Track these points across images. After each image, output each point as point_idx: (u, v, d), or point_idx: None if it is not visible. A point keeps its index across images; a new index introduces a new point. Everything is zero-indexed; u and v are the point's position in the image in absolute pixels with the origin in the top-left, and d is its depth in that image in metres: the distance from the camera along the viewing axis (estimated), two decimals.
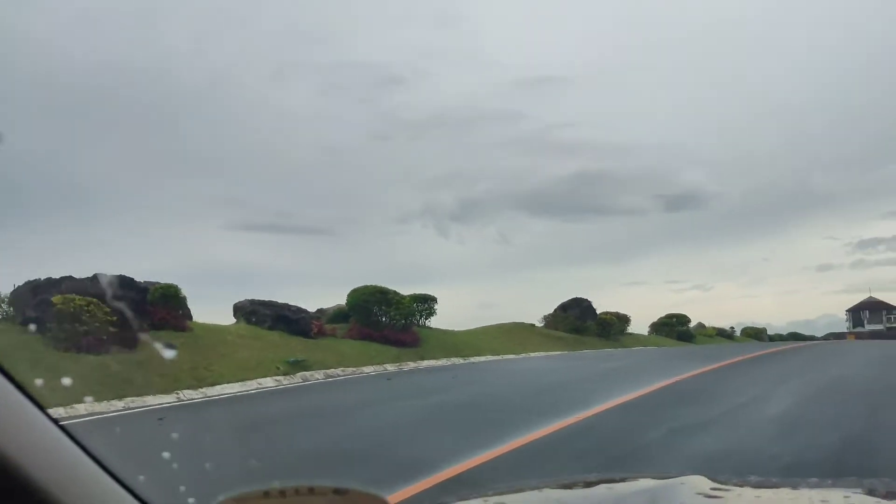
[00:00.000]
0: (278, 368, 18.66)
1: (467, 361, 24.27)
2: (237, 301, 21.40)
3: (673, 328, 45.92)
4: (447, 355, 24.53)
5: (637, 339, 39.79)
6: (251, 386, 17.27)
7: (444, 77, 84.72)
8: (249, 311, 20.90)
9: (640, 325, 47.25)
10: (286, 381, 18.12)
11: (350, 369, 20.13)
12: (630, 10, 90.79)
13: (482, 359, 25.43)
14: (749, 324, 67.61)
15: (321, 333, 21.77)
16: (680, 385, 14.68)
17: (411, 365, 22.37)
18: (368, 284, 23.78)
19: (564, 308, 35.70)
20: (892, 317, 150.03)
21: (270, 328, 20.63)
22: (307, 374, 19.12)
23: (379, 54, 79.89)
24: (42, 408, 1.08)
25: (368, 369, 20.83)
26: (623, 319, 38.35)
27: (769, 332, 68.17)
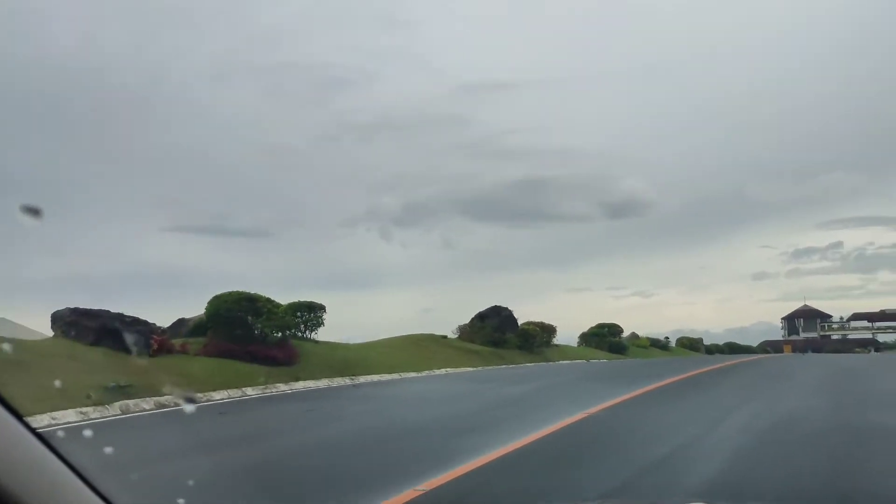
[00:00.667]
0: (89, 397, 14.57)
1: (354, 382, 20.47)
2: (56, 310, 17.15)
3: (604, 339, 42.86)
4: (331, 374, 20.68)
5: (564, 352, 36.49)
6: (43, 422, 13.17)
7: (391, 80, 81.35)
8: (69, 323, 16.71)
9: (576, 334, 44.23)
10: (97, 414, 14.06)
11: (195, 395, 16.11)
12: (576, 18, 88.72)
13: (374, 378, 21.66)
14: (688, 331, 65.57)
15: (164, 350, 17.68)
16: (588, 424, 11.15)
17: (282, 388, 18.48)
18: (233, 290, 19.75)
19: (482, 317, 32.06)
20: (826, 325, 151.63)
21: (93, 343, 16.49)
22: (131, 402, 15.07)
23: (325, 56, 76.12)
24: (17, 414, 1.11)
25: (220, 395, 16.88)
26: (548, 330, 34.98)
27: (706, 342, 66.14)
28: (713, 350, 61.29)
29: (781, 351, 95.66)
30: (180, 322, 21.22)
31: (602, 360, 36.00)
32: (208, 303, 19.68)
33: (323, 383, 19.82)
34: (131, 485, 7.87)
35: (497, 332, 31.35)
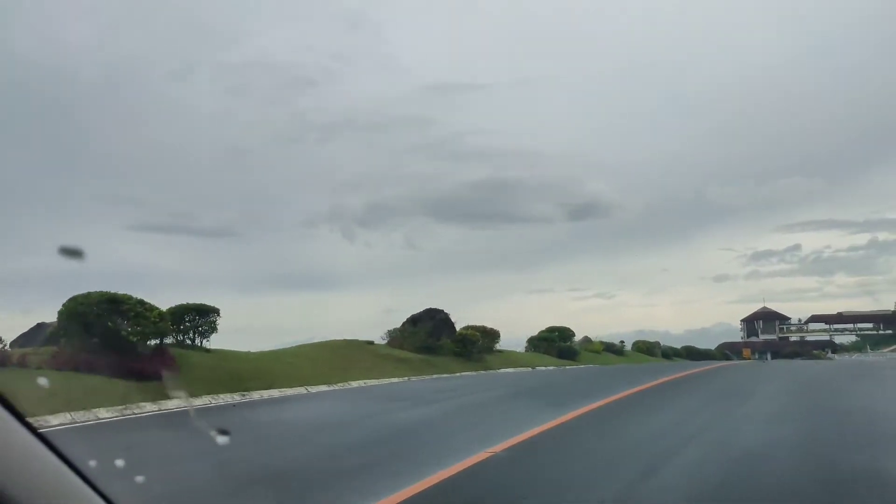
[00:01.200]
0: None
1: (243, 399, 17.29)
2: None
3: (553, 344, 40.05)
4: (216, 390, 17.47)
5: (508, 359, 33.53)
6: None
7: (355, 80, 78.44)
8: None
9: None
10: None
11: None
12: (542, 21, 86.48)
13: (273, 394, 18.51)
14: (648, 332, 63.89)
15: None
16: (482, 471, 8.15)
17: (149, 408, 15.25)
18: (92, 291, 16.37)
19: (414, 321, 28.94)
20: (785, 327, 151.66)
21: None
22: None
23: (289, 55, 72.86)
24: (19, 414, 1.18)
25: (59, 419, 13.61)
26: (490, 334, 32.02)
27: (666, 343, 64.05)
28: (670, 354, 58.97)
29: (741, 354, 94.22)
30: (39, 327, 17.83)
31: (549, 368, 33.13)
32: (63, 305, 16.31)
33: (203, 401, 16.62)
34: None
35: (431, 338, 28.29)
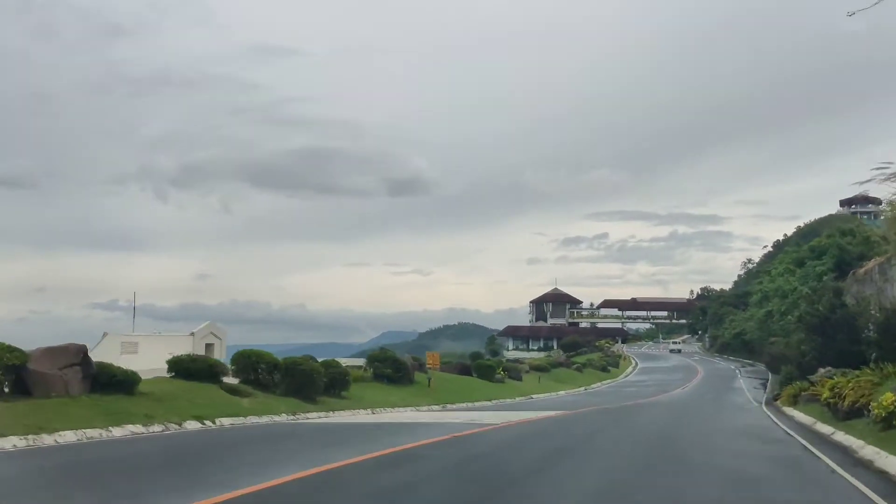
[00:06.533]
0: None
1: None
2: None
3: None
4: None
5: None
6: None
7: (172, 34, 67.63)
8: None
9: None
10: None
11: None
12: None
13: None
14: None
15: None
16: None
17: None
18: None
19: None
20: (576, 311, 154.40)
21: None
22: None
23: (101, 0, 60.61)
24: None
25: None
26: None
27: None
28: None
29: (525, 342, 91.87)
30: None
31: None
32: None
33: None
34: None
35: None
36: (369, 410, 26.60)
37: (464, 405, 35.47)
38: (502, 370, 51.13)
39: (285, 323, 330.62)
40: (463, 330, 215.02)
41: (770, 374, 63.93)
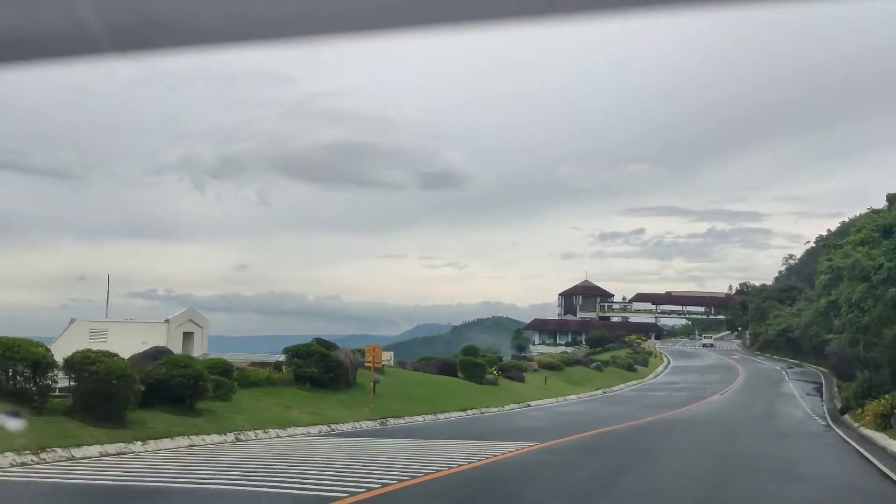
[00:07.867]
0: None
1: None
2: None
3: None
4: None
5: None
6: None
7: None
8: None
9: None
10: None
11: None
12: None
13: None
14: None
15: None
16: None
17: None
18: None
19: None
20: (607, 304, 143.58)
21: None
22: None
23: None
24: None
25: None
26: None
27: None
28: None
29: (526, 345, 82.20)
30: None
31: None
32: None
33: None
34: None
35: None
36: (229, 435, 17.35)
37: (418, 419, 26.10)
38: (496, 370, 41.60)
39: (319, 314, 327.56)
40: (497, 323, 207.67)
41: (823, 378, 54.79)
